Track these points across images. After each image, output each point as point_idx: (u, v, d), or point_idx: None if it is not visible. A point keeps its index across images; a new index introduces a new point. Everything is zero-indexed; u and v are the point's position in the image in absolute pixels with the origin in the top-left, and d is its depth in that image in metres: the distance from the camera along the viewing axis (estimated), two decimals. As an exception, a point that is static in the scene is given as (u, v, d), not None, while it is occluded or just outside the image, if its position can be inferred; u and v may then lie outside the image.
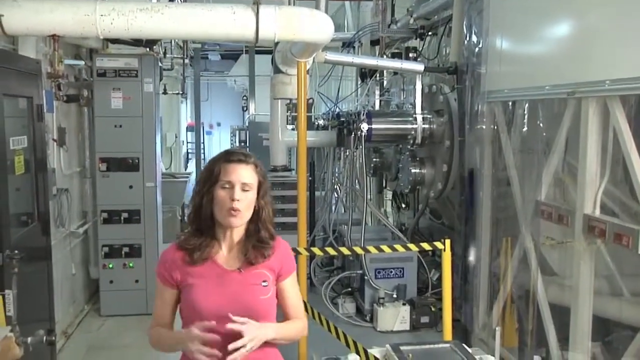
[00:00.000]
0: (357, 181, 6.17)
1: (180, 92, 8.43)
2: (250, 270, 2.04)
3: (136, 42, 5.30)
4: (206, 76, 15.64)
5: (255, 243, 2.05)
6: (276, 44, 4.96)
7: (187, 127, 15.65)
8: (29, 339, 2.54)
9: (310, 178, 6.41)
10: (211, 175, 2.00)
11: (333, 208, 6.95)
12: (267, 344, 2.04)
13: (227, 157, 2.03)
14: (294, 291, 2.17)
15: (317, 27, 3.63)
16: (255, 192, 2.02)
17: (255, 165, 2.04)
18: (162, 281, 2.06)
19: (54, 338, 2.60)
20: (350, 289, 5.69)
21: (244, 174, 2.00)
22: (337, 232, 6.42)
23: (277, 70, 5.14)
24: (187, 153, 15.73)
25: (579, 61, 3.18)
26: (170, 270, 2.04)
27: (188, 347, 1.90)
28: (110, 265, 5.74)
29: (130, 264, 5.75)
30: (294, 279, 2.18)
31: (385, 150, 6.93)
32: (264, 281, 2.05)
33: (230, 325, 1.89)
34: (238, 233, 2.05)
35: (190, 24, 3.48)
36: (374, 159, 6.94)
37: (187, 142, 15.85)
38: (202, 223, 2.02)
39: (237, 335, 1.92)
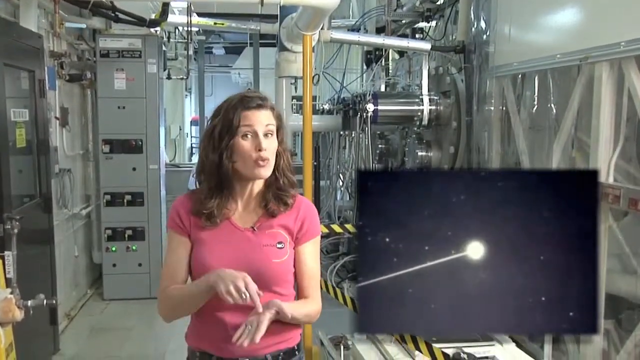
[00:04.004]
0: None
1: (185, 77, 8.36)
2: (264, 230, 1.85)
3: (140, 21, 5.25)
4: (210, 70, 15.59)
5: (275, 192, 1.87)
6: (281, 21, 4.90)
7: (191, 122, 15.61)
8: (30, 302, 2.48)
9: (315, 163, 6.34)
10: (230, 127, 1.79)
11: (338, 194, 6.89)
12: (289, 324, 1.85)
13: (245, 103, 1.81)
14: (312, 260, 1.90)
15: (323, -10, 3.55)
16: (276, 138, 1.85)
17: (272, 108, 1.86)
18: (175, 229, 1.86)
19: (54, 302, 2.54)
20: (354, 274, 5.61)
21: (266, 120, 1.81)
22: (342, 218, 6.37)
23: (282, 48, 5.07)
24: (192, 147, 15.70)
25: (592, 26, 3.10)
26: (182, 218, 1.86)
27: (219, 286, 1.65)
28: (113, 249, 5.70)
29: (134, 247, 5.70)
30: (315, 247, 1.92)
31: (390, 136, 6.85)
32: (280, 242, 1.84)
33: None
34: (258, 184, 1.88)
35: (194, -15, 3.41)
36: (380, 145, 6.87)
37: (192, 137, 15.82)
38: (223, 181, 1.83)
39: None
